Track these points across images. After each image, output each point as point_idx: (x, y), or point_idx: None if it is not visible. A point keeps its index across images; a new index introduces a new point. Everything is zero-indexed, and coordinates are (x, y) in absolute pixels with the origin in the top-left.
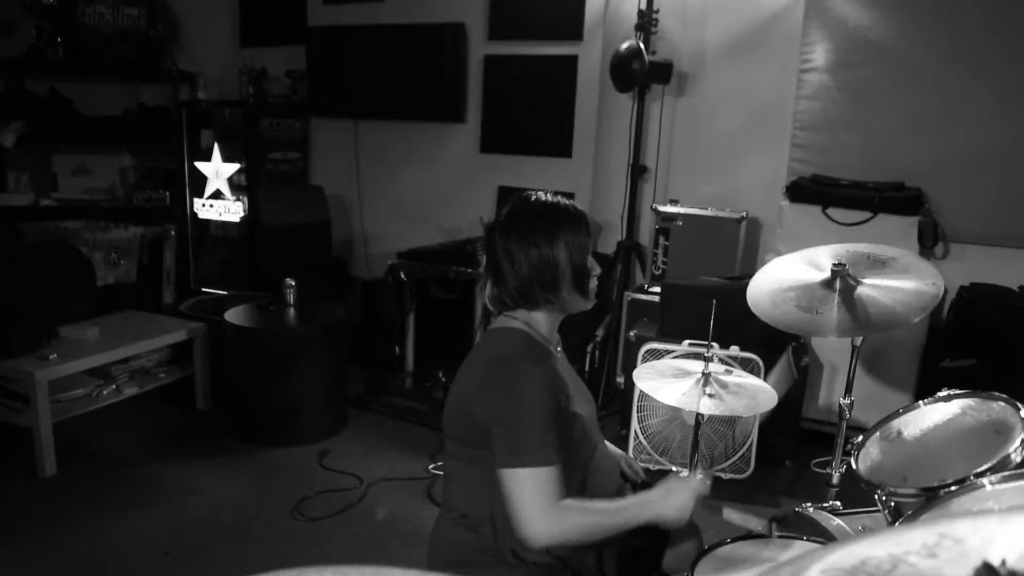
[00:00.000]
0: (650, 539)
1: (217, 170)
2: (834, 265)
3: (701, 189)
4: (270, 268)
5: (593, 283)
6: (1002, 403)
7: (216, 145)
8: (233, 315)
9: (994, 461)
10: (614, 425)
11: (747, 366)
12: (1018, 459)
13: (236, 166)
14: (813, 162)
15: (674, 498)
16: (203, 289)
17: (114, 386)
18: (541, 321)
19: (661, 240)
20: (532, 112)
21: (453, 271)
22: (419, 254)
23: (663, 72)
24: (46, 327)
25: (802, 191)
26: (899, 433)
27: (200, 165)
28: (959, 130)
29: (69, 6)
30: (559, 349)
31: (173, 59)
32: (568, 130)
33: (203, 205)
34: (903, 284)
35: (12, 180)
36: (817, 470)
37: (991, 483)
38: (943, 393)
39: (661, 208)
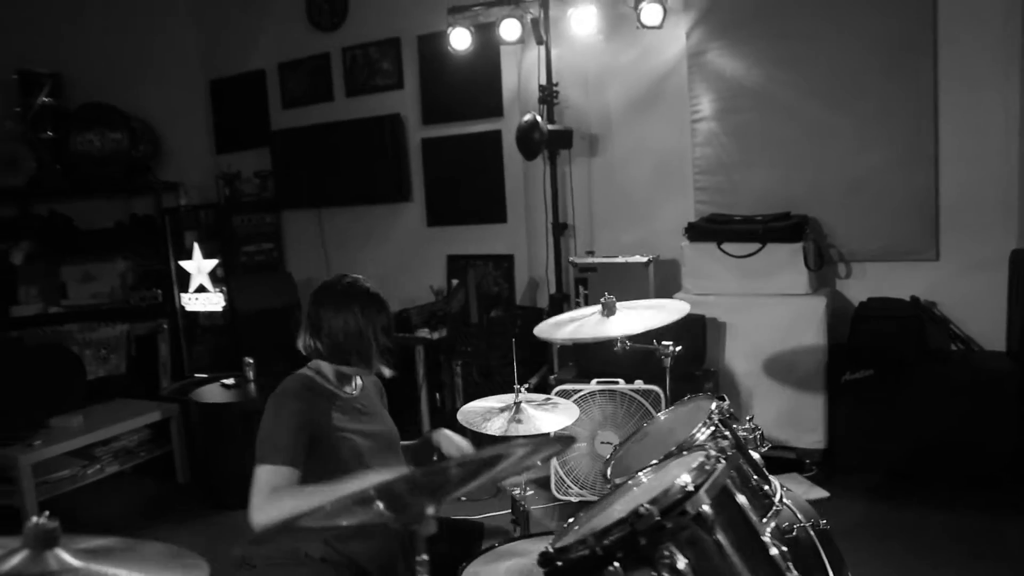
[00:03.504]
0: (458, 547)
1: (199, 266)
2: (602, 300)
3: (622, 238)
4: (247, 351)
5: (373, 353)
6: (714, 400)
7: (196, 244)
8: (199, 394)
9: (682, 440)
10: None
11: (648, 397)
12: (701, 438)
13: (215, 261)
14: (714, 202)
15: None
16: (195, 374)
17: (98, 466)
18: (328, 369)
19: (581, 289)
20: (468, 185)
21: None
22: None
23: (564, 138)
24: (35, 420)
25: (698, 230)
26: (645, 434)
27: (184, 263)
28: (830, 159)
29: (63, 138)
30: (355, 390)
31: (155, 173)
32: (501, 198)
33: (190, 299)
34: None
35: (23, 293)
36: None
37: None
38: (686, 397)
39: (577, 260)
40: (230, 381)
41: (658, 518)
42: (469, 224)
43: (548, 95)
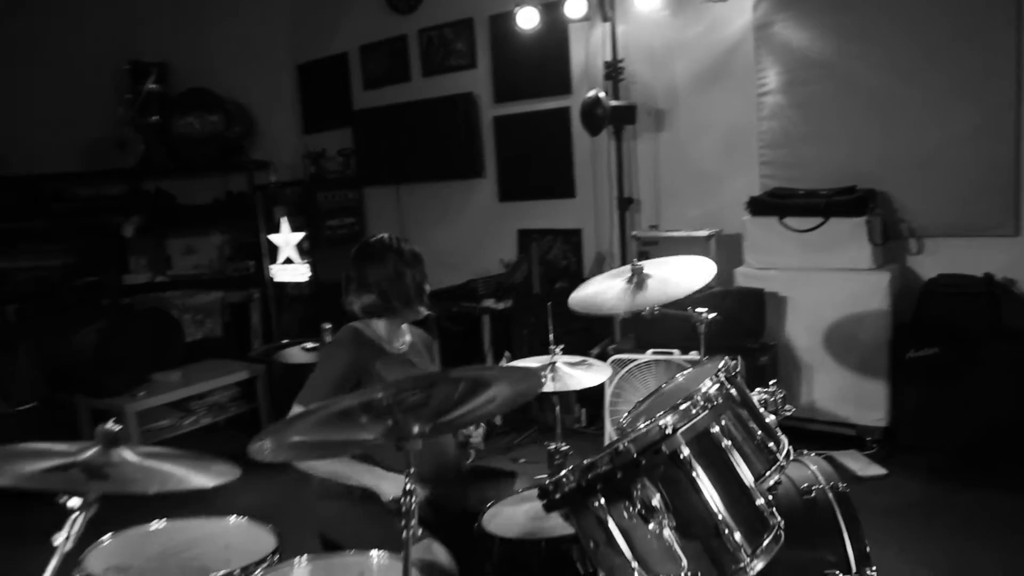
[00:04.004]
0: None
1: (286, 240)
2: (632, 264)
3: (688, 212)
4: (328, 318)
5: (413, 295)
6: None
7: (284, 219)
8: (282, 356)
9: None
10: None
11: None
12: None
13: (301, 235)
14: (780, 176)
15: (385, 484)
16: (283, 340)
17: (193, 417)
18: (380, 326)
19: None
20: (538, 161)
21: (458, 306)
22: (435, 295)
23: (627, 114)
24: (140, 374)
25: (760, 204)
26: (662, 392)
27: (273, 237)
28: (901, 131)
29: (166, 121)
30: (403, 345)
31: (248, 152)
32: (569, 173)
33: (278, 270)
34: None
35: (133, 263)
36: None
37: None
38: (704, 358)
39: (639, 234)
40: (310, 345)
41: (635, 455)
42: (539, 199)
43: (613, 71)
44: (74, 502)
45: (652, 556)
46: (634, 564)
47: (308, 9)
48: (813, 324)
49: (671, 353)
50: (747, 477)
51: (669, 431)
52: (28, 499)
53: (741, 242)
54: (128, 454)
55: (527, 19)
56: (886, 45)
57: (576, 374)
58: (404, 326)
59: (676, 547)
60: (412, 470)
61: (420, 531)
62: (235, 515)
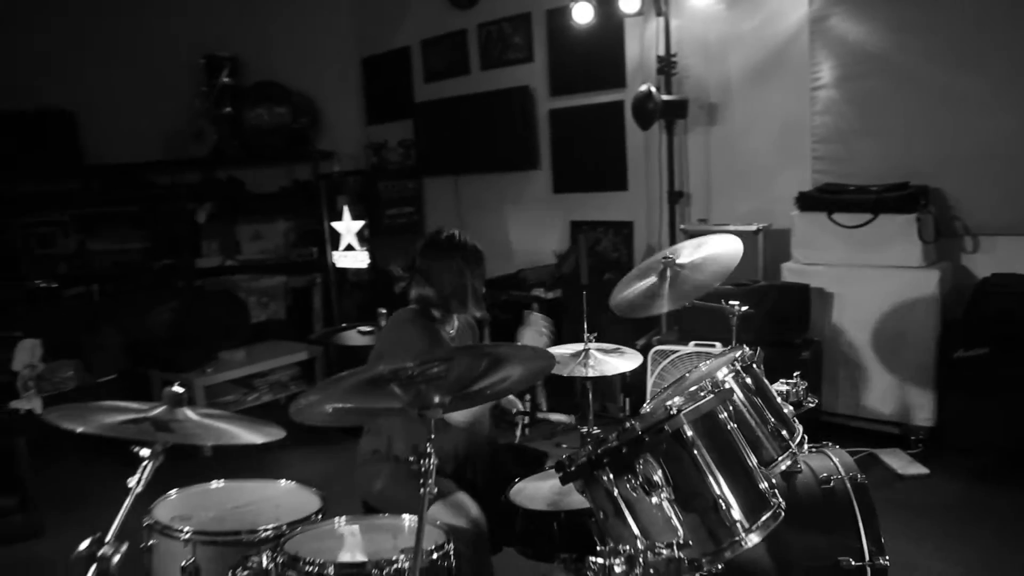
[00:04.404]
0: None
1: (348, 227)
2: (663, 259)
3: (738, 207)
4: (386, 304)
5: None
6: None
7: (346, 207)
8: (339, 338)
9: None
10: None
11: None
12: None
13: (362, 223)
14: (832, 171)
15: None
16: (343, 324)
17: (256, 394)
18: (432, 312)
19: None
20: (592, 153)
21: (507, 295)
22: (486, 283)
23: (679, 108)
24: (209, 352)
25: (808, 200)
26: (684, 379)
27: (335, 224)
28: (962, 126)
29: (238, 113)
30: (452, 330)
31: (313, 143)
32: (622, 166)
33: (340, 257)
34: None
35: (205, 247)
36: None
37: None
38: (726, 348)
39: (687, 227)
40: (366, 329)
41: (639, 433)
42: (592, 191)
43: (666, 65)
44: (145, 452)
45: (654, 526)
46: (637, 533)
47: (373, 5)
48: (860, 321)
49: (713, 345)
50: (751, 459)
51: (673, 412)
52: (108, 449)
53: (789, 237)
54: (189, 413)
55: (582, 14)
56: (945, 37)
57: (610, 360)
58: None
59: (675, 519)
60: (434, 437)
61: (438, 489)
62: (285, 479)
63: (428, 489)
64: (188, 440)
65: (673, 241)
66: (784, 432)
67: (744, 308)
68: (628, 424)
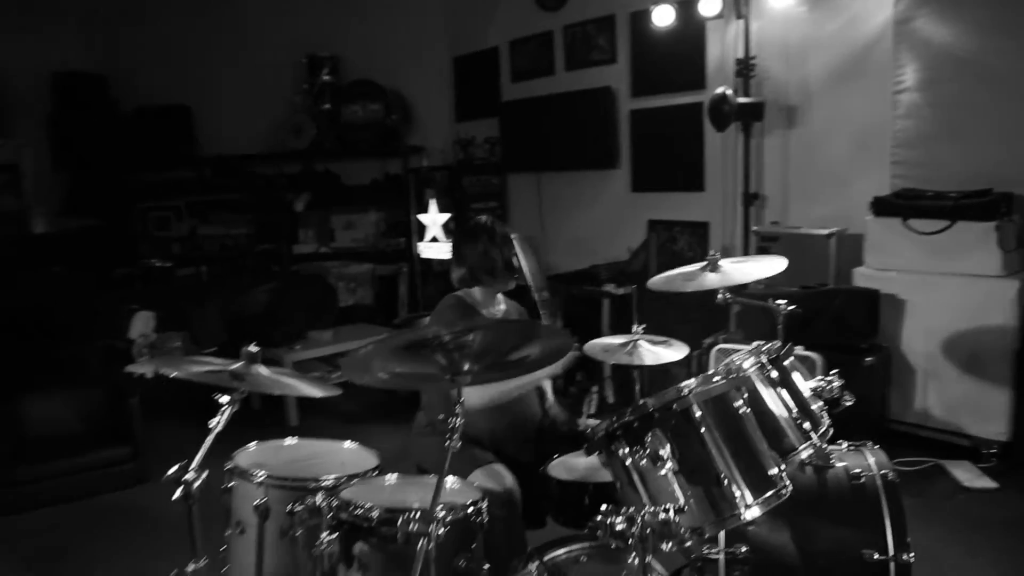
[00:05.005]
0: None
1: (433, 220)
2: (708, 255)
3: (815, 211)
4: None
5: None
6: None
7: (433, 200)
8: (420, 324)
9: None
10: None
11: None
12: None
13: (447, 216)
14: (912, 176)
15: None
16: (424, 311)
17: (339, 372)
18: (477, 293)
19: None
20: (671, 154)
21: (579, 289)
22: (560, 277)
23: (755, 110)
24: (300, 330)
25: (883, 205)
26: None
27: (421, 216)
28: None
29: (336, 110)
30: (498, 312)
31: (404, 138)
32: (699, 167)
33: (425, 247)
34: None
35: (302, 235)
36: None
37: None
38: (762, 342)
39: (759, 229)
40: None
41: (650, 410)
42: (669, 191)
43: (744, 68)
44: (224, 398)
45: (661, 495)
46: (646, 500)
47: (464, 6)
48: (932, 329)
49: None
50: (762, 444)
51: (684, 392)
52: (206, 412)
53: (863, 242)
54: (262, 369)
55: (662, 17)
56: None
57: (656, 351)
58: (499, 296)
59: (678, 490)
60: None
61: (478, 459)
62: (349, 440)
63: (452, 444)
64: (258, 389)
65: (746, 242)
66: (806, 424)
67: (791, 307)
68: (643, 402)
